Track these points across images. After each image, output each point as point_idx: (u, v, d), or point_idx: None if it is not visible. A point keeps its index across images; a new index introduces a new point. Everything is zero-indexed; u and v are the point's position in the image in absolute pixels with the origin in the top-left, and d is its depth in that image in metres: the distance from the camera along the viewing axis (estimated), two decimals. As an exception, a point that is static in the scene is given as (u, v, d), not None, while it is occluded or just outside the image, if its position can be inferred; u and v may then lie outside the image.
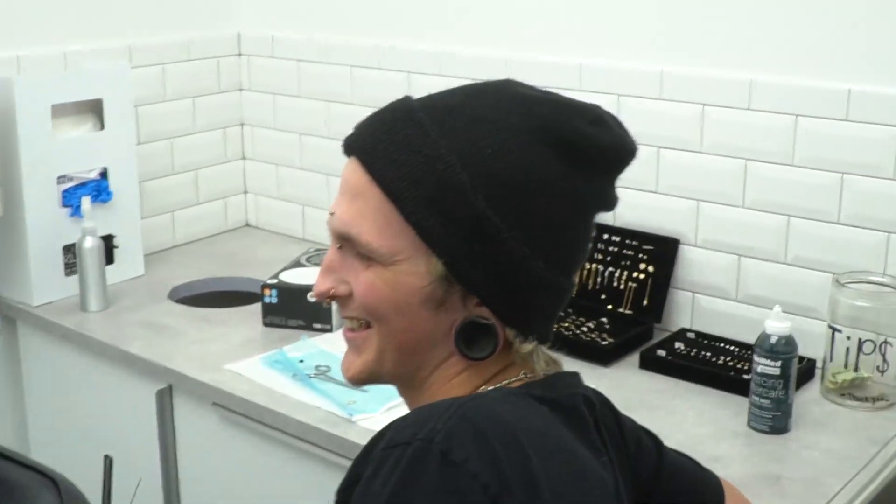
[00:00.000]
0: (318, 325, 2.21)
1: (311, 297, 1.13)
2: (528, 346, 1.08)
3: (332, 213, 1.10)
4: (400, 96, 2.60)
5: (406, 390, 1.15)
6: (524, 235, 1.03)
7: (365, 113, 2.84)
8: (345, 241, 1.08)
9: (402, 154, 1.04)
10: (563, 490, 0.97)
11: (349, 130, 3.01)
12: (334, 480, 1.84)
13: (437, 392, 1.09)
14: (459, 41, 2.44)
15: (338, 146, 2.63)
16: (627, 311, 2.20)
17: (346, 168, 1.10)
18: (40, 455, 2.50)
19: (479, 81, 1.12)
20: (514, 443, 0.96)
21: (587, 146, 1.06)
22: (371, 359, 1.10)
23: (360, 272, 1.07)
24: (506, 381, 1.08)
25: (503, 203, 1.02)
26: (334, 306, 1.20)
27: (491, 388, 1.08)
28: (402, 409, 1.79)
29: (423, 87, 2.47)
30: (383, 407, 1.86)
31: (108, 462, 1.24)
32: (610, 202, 1.12)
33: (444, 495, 0.92)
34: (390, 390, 1.78)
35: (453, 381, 1.09)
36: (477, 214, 1.01)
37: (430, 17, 2.50)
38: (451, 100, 1.08)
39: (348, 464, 1.79)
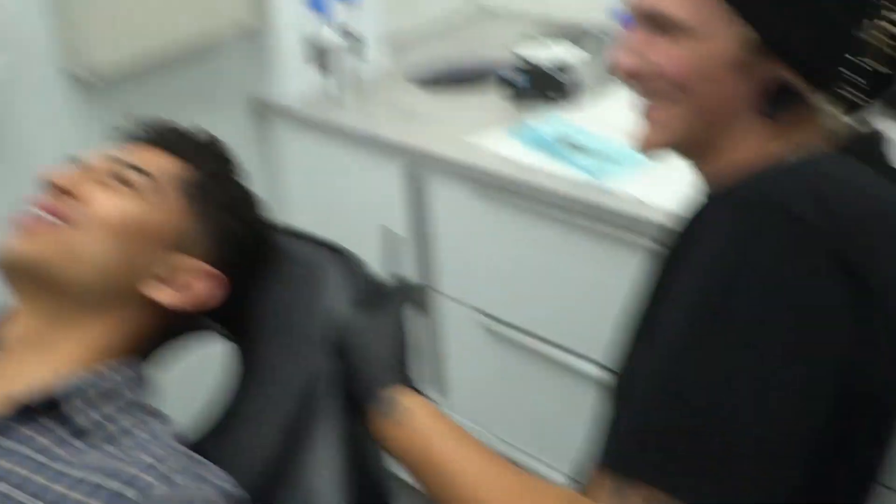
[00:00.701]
0: (557, 97, 2.22)
1: (610, 71, 1.16)
2: (837, 118, 1.06)
3: None
4: None
5: (700, 160, 1.17)
6: None
7: None
8: (646, 16, 1.09)
9: None
10: None
11: None
12: (584, 247, 1.92)
13: (735, 157, 1.11)
14: None
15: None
16: None
17: None
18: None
19: None
20: (850, 199, 0.99)
21: None
22: (671, 127, 1.13)
23: (664, 46, 1.08)
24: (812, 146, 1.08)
25: None
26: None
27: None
28: (654, 175, 1.82)
29: None
30: (635, 172, 1.88)
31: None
32: None
33: (786, 250, 0.95)
34: (640, 160, 1.82)
35: (752, 144, 1.10)
36: None
37: None
38: None
39: (602, 228, 1.86)
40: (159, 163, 1.34)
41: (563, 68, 2.20)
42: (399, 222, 2.28)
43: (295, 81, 2.48)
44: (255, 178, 2.50)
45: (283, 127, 2.56)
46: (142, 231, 1.27)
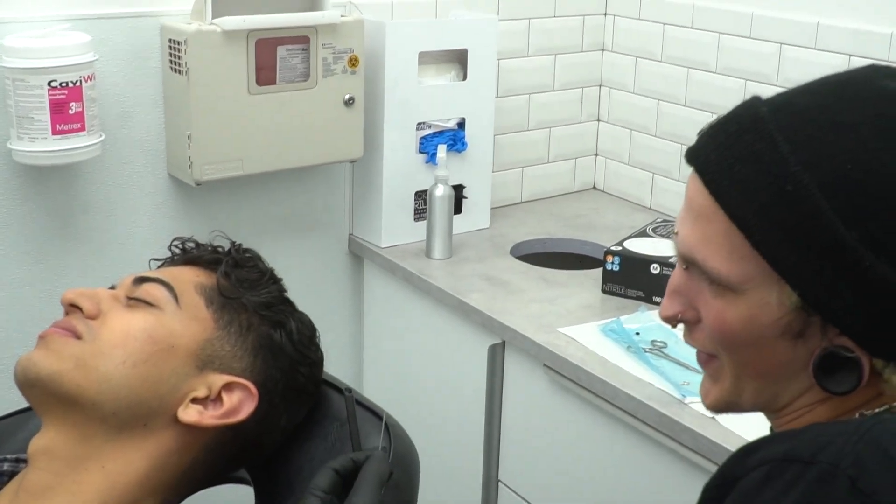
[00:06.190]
0: (657, 299, 2.14)
1: (659, 319, 1.08)
2: None
3: (676, 233, 1.03)
4: (767, 70, 2.45)
5: (769, 415, 1.07)
6: (892, 260, 0.90)
7: (728, 84, 2.71)
8: (690, 263, 1.01)
9: (748, 174, 0.93)
10: None
11: (710, 101, 2.87)
12: (657, 460, 1.81)
13: (797, 421, 1.01)
14: (837, 14, 2.27)
15: (695, 115, 2.55)
16: None
17: (690, 182, 1.01)
18: (370, 382, 2.60)
19: (840, 72, 1.00)
20: None
21: None
22: (727, 388, 1.04)
23: (709, 299, 1.00)
24: (884, 407, 0.97)
25: (867, 226, 0.90)
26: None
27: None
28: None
29: (793, 59, 2.33)
30: (719, 392, 1.77)
31: (352, 399, 1.29)
32: None
33: None
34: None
35: (815, 409, 1.00)
36: (836, 242, 0.90)
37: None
38: (805, 101, 0.96)
39: (675, 446, 1.74)
40: (183, 275, 1.29)
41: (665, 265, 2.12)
42: (474, 392, 2.20)
43: (391, 226, 2.45)
44: (341, 312, 2.53)
45: (375, 268, 2.52)
46: (159, 345, 1.22)
